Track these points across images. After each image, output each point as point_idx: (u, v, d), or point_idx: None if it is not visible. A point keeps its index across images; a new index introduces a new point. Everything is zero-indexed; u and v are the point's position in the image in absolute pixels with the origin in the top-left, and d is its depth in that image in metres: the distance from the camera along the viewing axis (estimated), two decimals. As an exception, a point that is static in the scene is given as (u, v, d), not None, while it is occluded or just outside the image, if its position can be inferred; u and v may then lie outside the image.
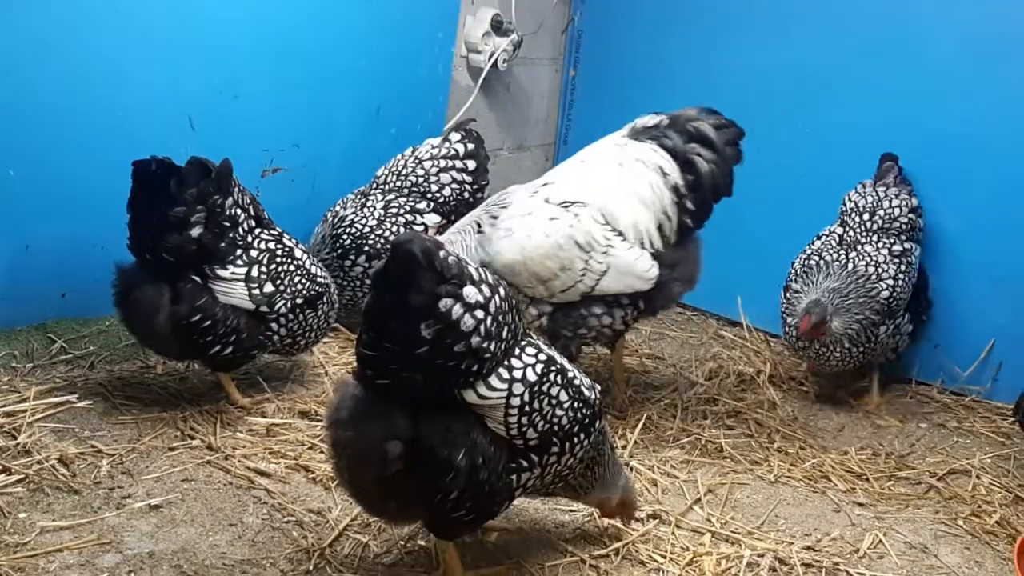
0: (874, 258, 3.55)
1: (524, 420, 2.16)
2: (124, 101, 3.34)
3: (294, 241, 3.23)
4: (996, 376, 3.75)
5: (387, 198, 3.79)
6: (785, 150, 4.20)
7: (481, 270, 2.13)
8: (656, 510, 2.80)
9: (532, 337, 2.31)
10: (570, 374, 2.29)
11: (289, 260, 3.15)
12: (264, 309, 3.07)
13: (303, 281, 3.18)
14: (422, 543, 2.55)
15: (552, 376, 2.22)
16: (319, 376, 3.48)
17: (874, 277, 3.49)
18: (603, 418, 2.40)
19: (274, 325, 3.13)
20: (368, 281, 3.70)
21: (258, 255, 3.06)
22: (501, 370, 2.14)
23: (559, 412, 2.22)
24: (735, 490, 3.00)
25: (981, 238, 3.74)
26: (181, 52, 3.43)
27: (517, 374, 2.16)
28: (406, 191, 3.81)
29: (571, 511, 2.74)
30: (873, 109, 3.94)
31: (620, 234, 3.07)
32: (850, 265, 3.52)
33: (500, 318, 2.10)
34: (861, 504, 3.00)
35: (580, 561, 2.52)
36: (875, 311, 3.47)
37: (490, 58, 4.47)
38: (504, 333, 2.13)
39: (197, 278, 2.96)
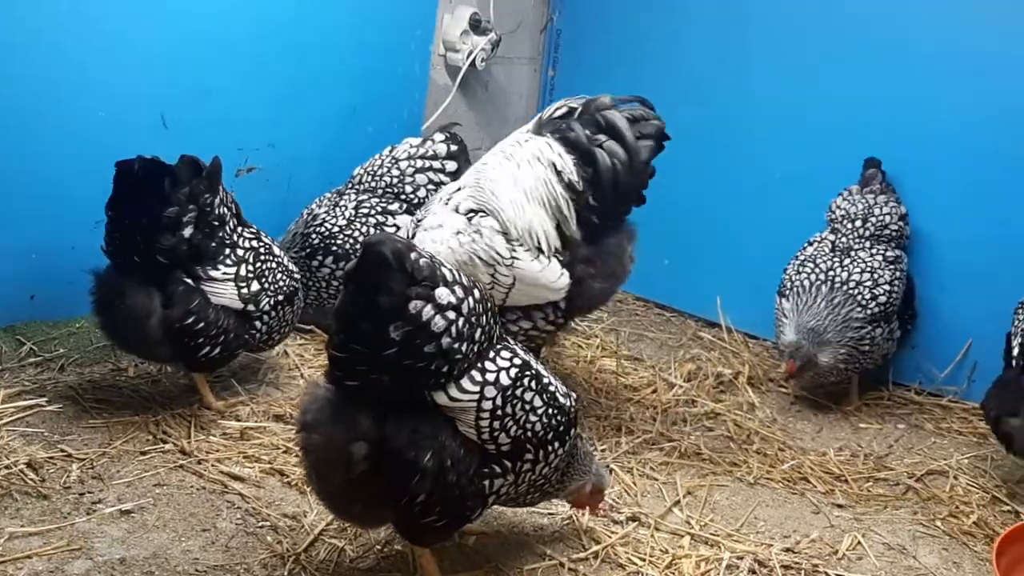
0: (869, 264, 3.57)
1: (496, 424, 2.13)
2: (94, 101, 3.29)
3: (270, 238, 3.21)
4: (972, 377, 3.76)
5: (359, 198, 3.75)
6: (765, 152, 4.21)
7: (455, 271, 2.10)
8: (635, 512, 2.78)
9: (509, 341, 2.28)
10: (545, 380, 2.26)
11: (271, 257, 3.15)
12: (250, 308, 3.05)
13: (283, 277, 3.18)
14: (399, 547, 2.51)
15: (527, 381, 2.19)
16: (294, 378, 3.43)
17: (855, 296, 3.50)
18: (578, 426, 2.37)
19: (258, 323, 3.11)
20: (335, 281, 3.68)
21: (244, 253, 3.04)
22: (474, 372, 2.11)
23: (533, 418, 2.19)
24: (714, 492, 2.99)
25: (957, 241, 3.76)
26: (152, 50, 3.38)
27: (490, 377, 2.12)
28: (380, 191, 3.77)
29: (550, 514, 2.72)
30: (852, 112, 3.94)
31: (523, 244, 2.97)
32: (834, 287, 3.53)
33: (473, 320, 2.07)
34: (840, 505, 3.00)
35: (559, 564, 2.50)
36: (860, 324, 3.49)
37: (468, 57, 4.44)
38: (477, 335, 2.10)
39: (188, 280, 2.91)
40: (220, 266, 2.97)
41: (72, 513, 2.52)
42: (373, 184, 3.79)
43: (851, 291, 3.51)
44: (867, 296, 3.51)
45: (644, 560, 2.55)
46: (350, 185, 3.85)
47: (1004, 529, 2.49)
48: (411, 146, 3.83)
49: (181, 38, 3.45)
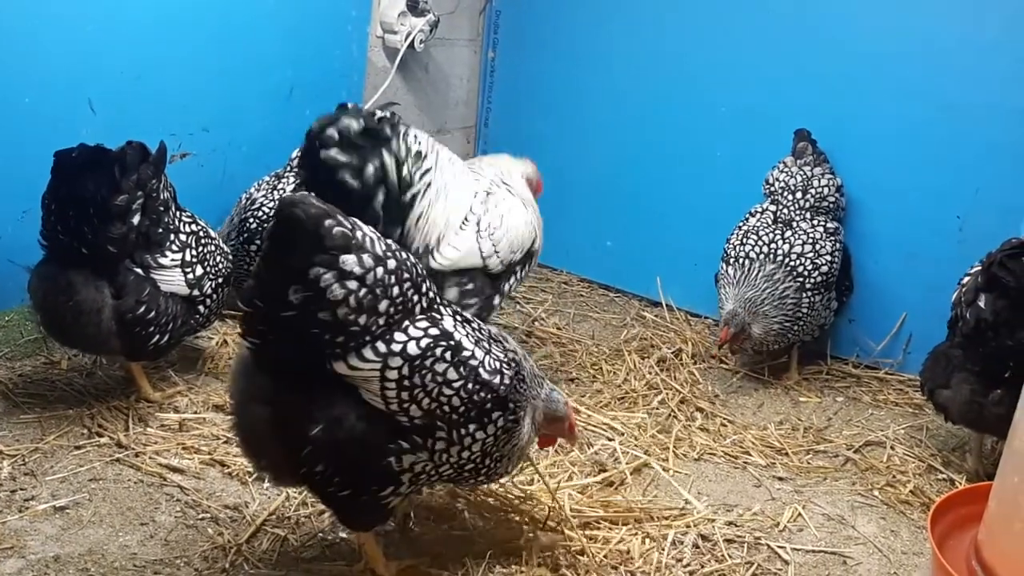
0: (811, 235, 3.63)
1: (405, 396, 2.08)
2: (18, 87, 3.16)
3: (204, 220, 3.17)
4: (907, 349, 3.85)
5: (298, 180, 3.68)
6: (697, 130, 4.24)
7: (377, 239, 2.07)
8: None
9: (442, 311, 2.22)
10: (466, 353, 2.16)
11: (209, 240, 3.11)
12: (195, 293, 3.00)
13: (221, 260, 3.15)
14: (343, 535, 2.49)
15: (439, 352, 2.11)
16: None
17: (795, 269, 3.57)
18: (516, 408, 2.25)
19: (201, 307, 3.07)
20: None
21: (186, 238, 3.00)
22: (378, 344, 2.06)
23: (447, 391, 2.11)
24: (657, 468, 3.01)
25: (893, 214, 3.83)
26: (78, 34, 3.26)
27: (396, 347, 2.07)
28: (320, 174, 3.71)
29: (496, 498, 2.71)
30: (784, 86, 3.99)
31: None
32: (775, 259, 3.59)
33: (378, 291, 2.03)
34: (781, 478, 3.05)
35: (505, 548, 2.49)
36: (796, 299, 3.56)
37: (406, 39, 4.38)
38: (383, 307, 2.05)
39: (138, 269, 2.84)
40: (168, 252, 2.92)
41: (3, 511, 2.45)
42: (312, 167, 3.72)
43: (791, 263, 3.57)
44: (809, 267, 3.57)
45: (589, 540, 2.56)
46: (288, 168, 3.78)
47: (939, 497, 2.55)
48: (349, 127, 3.76)
49: (109, 21, 3.34)
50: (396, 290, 2.08)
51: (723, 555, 2.57)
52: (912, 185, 3.75)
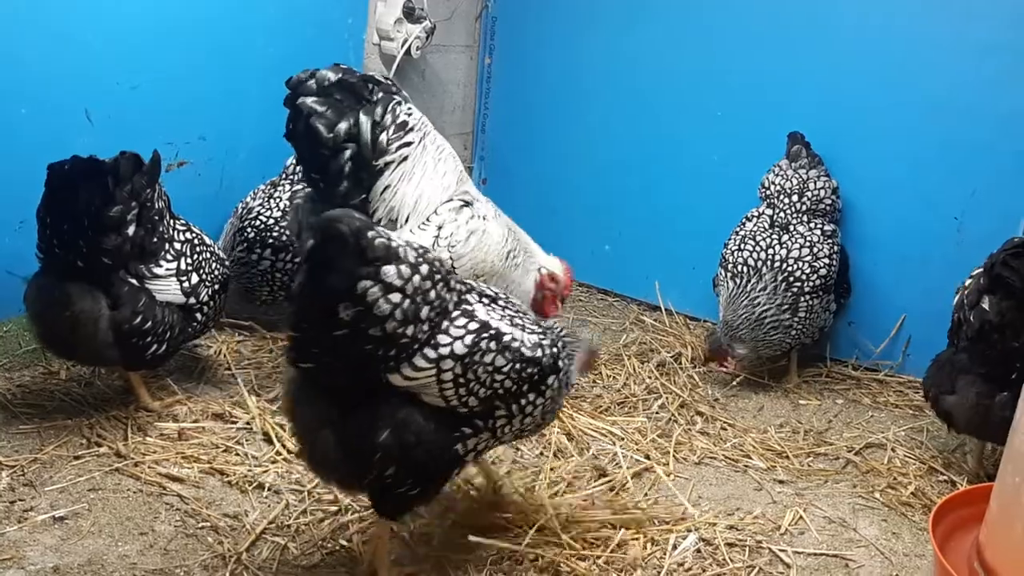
0: (808, 239, 3.63)
1: (462, 391, 2.15)
2: (15, 97, 3.15)
3: (198, 227, 3.16)
4: (906, 351, 3.85)
5: (294, 188, 3.68)
6: (694, 134, 4.24)
7: (406, 244, 2.07)
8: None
9: (469, 300, 2.24)
10: (507, 338, 2.21)
11: (204, 247, 3.11)
12: (191, 300, 2.99)
13: (217, 266, 3.14)
14: (343, 543, 2.48)
15: (483, 344, 2.16)
16: (231, 377, 3.37)
17: (779, 286, 3.58)
18: (561, 369, 2.34)
19: (198, 315, 3.06)
20: (278, 274, 3.63)
21: (181, 247, 2.99)
22: (427, 350, 2.10)
23: (499, 377, 2.19)
24: (658, 472, 3.01)
25: (890, 217, 3.83)
26: (75, 45, 3.26)
27: (444, 351, 2.11)
28: (315, 181, 3.71)
29: (496, 504, 2.70)
30: (779, 89, 4.00)
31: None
32: (762, 273, 3.60)
33: (419, 299, 2.06)
34: (782, 481, 3.04)
35: (506, 554, 2.49)
36: (776, 324, 3.58)
37: (403, 46, 4.39)
38: (424, 313, 2.08)
39: (133, 279, 2.84)
40: (162, 262, 2.92)
41: (2, 522, 2.44)
42: (307, 174, 3.72)
43: (786, 271, 3.57)
44: (807, 271, 3.58)
45: (590, 545, 2.55)
46: (284, 176, 3.78)
47: (941, 498, 2.54)
48: (343, 133, 3.76)
49: (105, 31, 3.34)
50: (432, 294, 2.11)
51: (725, 559, 2.56)
52: (909, 187, 3.76)
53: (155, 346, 2.90)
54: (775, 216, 3.74)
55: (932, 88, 3.65)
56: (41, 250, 2.77)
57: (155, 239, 2.89)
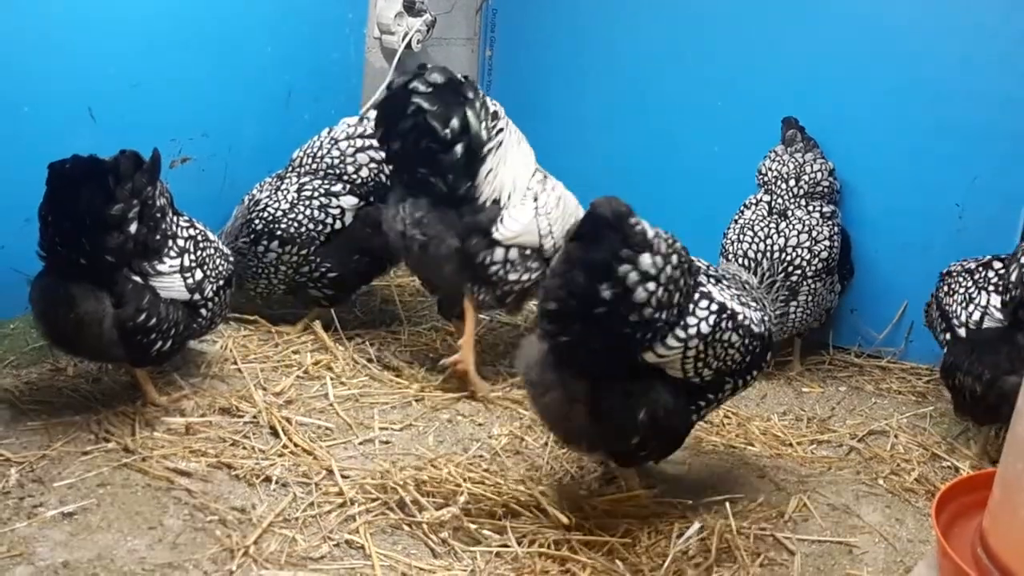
0: (807, 223, 3.63)
1: (700, 365, 2.42)
2: (18, 96, 3.17)
3: (202, 223, 3.17)
4: (909, 337, 3.86)
5: (301, 181, 3.70)
6: (695, 124, 4.24)
7: (667, 238, 2.30)
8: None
9: (704, 280, 2.48)
10: (740, 317, 2.47)
11: (208, 243, 3.11)
12: (196, 297, 3.00)
13: (221, 262, 3.14)
14: (348, 536, 2.50)
15: (723, 324, 2.42)
16: (237, 371, 3.39)
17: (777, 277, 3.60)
18: (773, 344, 2.67)
19: (203, 311, 3.07)
20: (282, 267, 3.65)
21: (184, 243, 3.00)
22: (677, 330, 2.35)
23: (731, 351, 2.47)
24: (662, 462, 3.02)
25: (891, 203, 3.84)
26: (77, 43, 3.27)
27: (692, 332, 2.37)
28: (321, 173, 3.72)
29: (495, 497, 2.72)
30: (776, 74, 4.00)
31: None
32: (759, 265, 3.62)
33: (671, 287, 2.29)
34: (785, 469, 3.06)
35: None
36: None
37: (404, 39, 4.40)
38: (675, 299, 2.33)
39: (136, 277, 2.85)
40: (165, 259, 2.92)
41: (12, 518, 2.46)
42: (314, 166, 3.74)
43: (785, 260, 3.57)
44: (807, 256, 3.59)
45: (594, 533, 2.57)
46: (291, 168, 3.79)
47: (944, 484, 2.55)
48: (348, 126, 3.78)
49: (106, 28, 3.35)
50: (681, 281, 2.33)
51: (729, 546, 2.57)
52: (909, 174, 3.76)
53: (160, 343, 2.92)
54: (773, 202, 3.75)
55: (931, 73, 3.66)
56: (43, 249, 2.79)
57: (158, 236, 2.90)
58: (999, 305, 2.96)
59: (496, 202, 3.21)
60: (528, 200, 3.25)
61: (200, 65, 3.68)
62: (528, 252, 3.26)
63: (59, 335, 2.88)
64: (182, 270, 2.96)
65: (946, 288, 3.20)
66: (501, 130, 3.23)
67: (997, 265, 3.05)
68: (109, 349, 2.86)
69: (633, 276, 2.19)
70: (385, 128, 3.17)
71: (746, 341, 2.48)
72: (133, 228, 2.79)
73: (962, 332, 3.06)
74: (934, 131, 3.67)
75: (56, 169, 2.68)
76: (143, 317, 2.84)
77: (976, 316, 3.01)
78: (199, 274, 3.01)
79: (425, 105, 3.09)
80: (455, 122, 3.10)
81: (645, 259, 2.20)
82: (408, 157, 3.18)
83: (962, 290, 3.11)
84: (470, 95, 3.18)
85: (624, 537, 2.56)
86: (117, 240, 2.75)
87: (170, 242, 2.95)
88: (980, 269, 3.11)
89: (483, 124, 3.17)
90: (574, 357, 2.34)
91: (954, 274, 3.21)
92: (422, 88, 3.10)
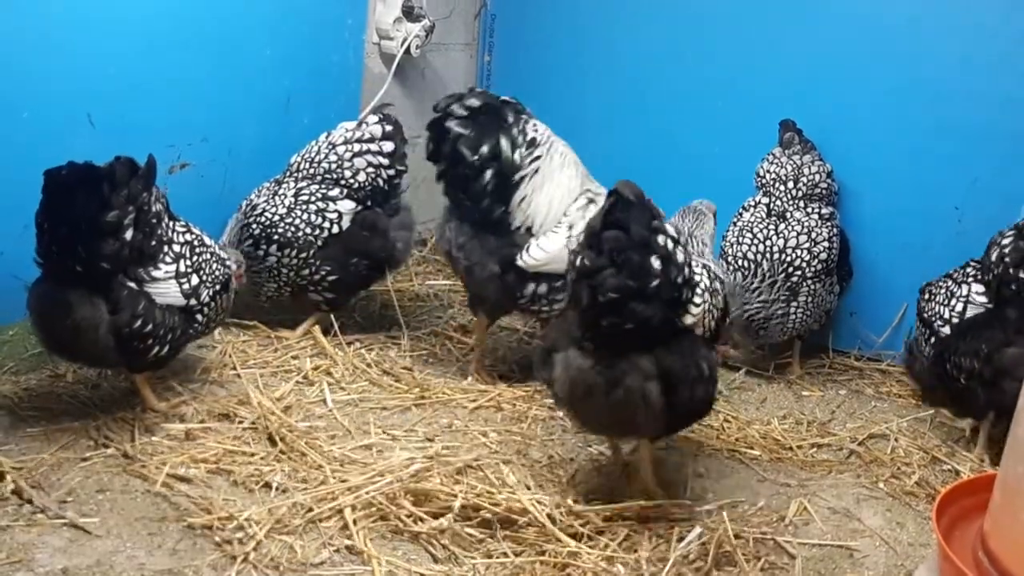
0: (806, 225, 3.64)
1: (709, 317, 2.63)
2: (17, 101, 3.17)
3: (198, 228, 3.16)
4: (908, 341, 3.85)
5: (299, 185, 3.70)
6: (694, 128, 4.25)
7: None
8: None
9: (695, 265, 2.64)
10: (712, 268, 2.74)
11: (204, 248, 3.11)
12: (192, 302, 3.00)
13: (217, 266, 3.14)
14: (347, 543, 2.50)
15: (711, 283, 2.66)
16: (236, 376, 3.38)
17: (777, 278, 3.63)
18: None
19: (199, 316, 3.07)
20: (283, 270, 3.64)
21: (180, 248, 2.99)
22: (697, 289, 2.54)
23: (717, 299, 2.71)
24: (662, 465, 3.02)
25: (890, 206, 3.84)
26: (75, 49, 3.27)
27: (701, 288, 2.57)
28: (319, 178, 3.72)
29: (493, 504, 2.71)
30: (776, 74, 4.01)
31: None
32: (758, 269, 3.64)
33: (687, 246, 2.56)
34: (786, 473, 3.05)
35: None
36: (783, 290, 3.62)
37: (402, 44, 4.40)
38: (690, 261, 2.52)
39: (132, 283, 2.85)
40: (161, 265, 2.92)
41: (11, 525, 2.45)
42: (312, 171, 3.74)
43: (784, 262, 3.58)
44: (806, 257, 3.60)
45: (595, 537, 2.56)
46: (288, 173, 3.79)
47: (945, 488, 2.55)
48: (347, 130, 3.78)
49: (105, 34, 3.35)
50: (688, 247, 2.58)
51: (729, 551, 2.57)
52: (909, 174, 3.77)
53: (156, 348, 2.92)
54: (772, 204, 3.75)
55: (929, 74, 3.67)
56: (40, 256, 2.79)
57: (153, 242, 2.90)
58: (981, 290, 3.10)
59: (529, 229, 3.25)
60: (561, 228, 3.26)
61: (200, 70, 3.68)
62: (560, 283, 3.23)
63: (56, 342, 2.88)
64: (177, 276, 2.95)
65: (927, 295, 3.31)
66: (538, 157, 3.25)
67: (973, 264, 3.19)
68: (106, 355, 2.86)
69: (669, 243, 2.39)
70: (432, 150, 3.25)
71: (722, 294, 2.76)
72: (129, 234, 2.79)
73: (946, 330, 3.13)
74: (934, 131, 3.68)
75: (52, 176, 2.68)
76: (139, 323, 2.84)
77: (959, 307, 3.13)
78: (195, 279, 3.00)
79: (458, 130, 3.15)
80: (484, 149, 3.16)
81: (669, 226, 2.43)
82: (449, 180, 3.25)
83: (943, 290, 3.22)
84: (509, 119, 3.22)
85: (625, 542, 2.56)
86: (113, 246, 2.75)
87: (166, 248, 2.95)
88: (957, 270, 3.26)
89: (517, 151, 3.20)
90: (631, 342, 2.44)
91: (932, 284, 3.34)
92: (458, 112, 3.16)
